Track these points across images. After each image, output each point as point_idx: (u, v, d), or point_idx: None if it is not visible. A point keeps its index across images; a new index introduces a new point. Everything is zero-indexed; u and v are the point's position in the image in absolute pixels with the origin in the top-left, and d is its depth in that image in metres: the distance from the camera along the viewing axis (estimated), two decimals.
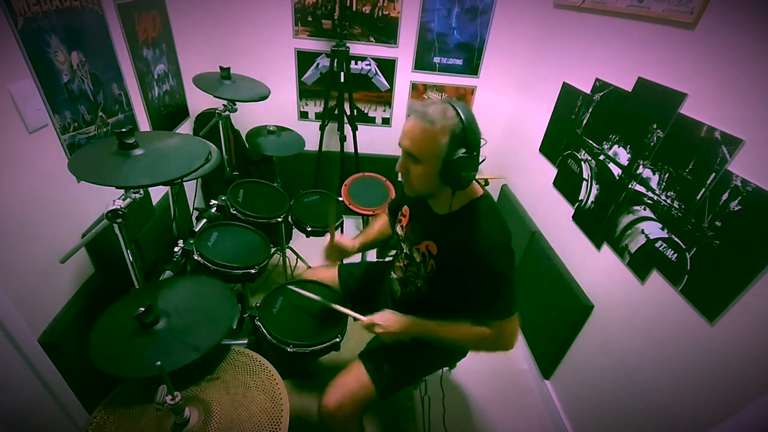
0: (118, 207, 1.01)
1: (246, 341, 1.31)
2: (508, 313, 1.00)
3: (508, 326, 1.01)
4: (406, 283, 1.22)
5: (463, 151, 0.92)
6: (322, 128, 2.42)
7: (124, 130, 0.97)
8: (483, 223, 1.02)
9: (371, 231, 1.41)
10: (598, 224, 1.55)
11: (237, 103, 1.82)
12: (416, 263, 1.15)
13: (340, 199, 1.99)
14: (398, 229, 1.25)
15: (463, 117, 0.92)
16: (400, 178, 1.06)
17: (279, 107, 2.50)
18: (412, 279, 1.19)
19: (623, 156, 1.44)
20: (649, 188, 1.31)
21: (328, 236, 1.28)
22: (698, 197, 1.12)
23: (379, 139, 2.63)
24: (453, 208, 1.06)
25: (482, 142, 0.97)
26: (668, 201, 1.22)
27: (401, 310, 1.11)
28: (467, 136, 0.92)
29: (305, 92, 2.50)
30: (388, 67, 2.40)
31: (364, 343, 1.31)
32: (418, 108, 0.95)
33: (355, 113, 2.52)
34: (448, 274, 1.08)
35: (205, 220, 1.65)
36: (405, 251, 1.20)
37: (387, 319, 1.08)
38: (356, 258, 1.99)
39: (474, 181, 1.04)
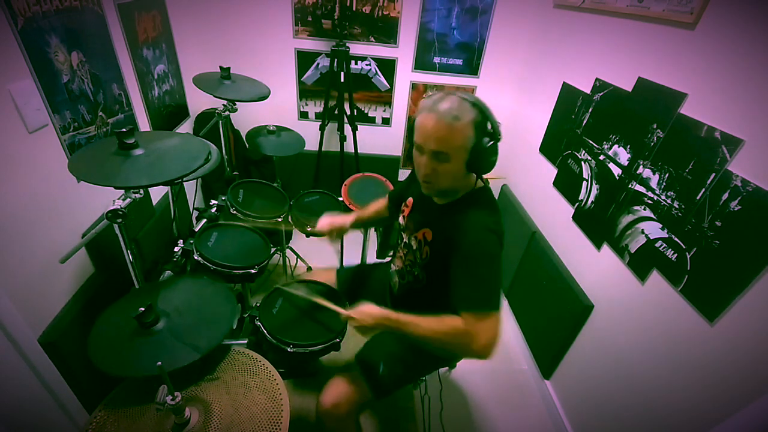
0: (118, 207, 1.01)
1: (246, 341, 1.31)
2: (486, 305, 0.92)
3: (484, 322, 0.91)
4: (404, 273, 1.23)
5: (488, 139, 0.96)
6: (322, 128, 2.42)
7: (124, 130, 0.97)
8: (478, 210, 1.03)
9: (368, 210, 1.45)
10: (598, 224, 1.55)
11: (237, 103, 1.82)
12: (413, 251, 1.17)
13: (340, 199, 1.99)
14: (400, 220, 1.27)
15: (479, 105, 0.96)
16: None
17: (279, 107, 2.49)
18: (410, 268, 1.20)
19: (623, 156, 1.44)
20: (649, 188, 1.31)
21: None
22: (698, 197, 1.12)
23: (379, 139, 2.63)
24: (457, 196, 1.07)
25: (498, 124, 1.00)
26: (668, 201, 1.22)
27: (399, 304, 1.10)
28: (489, 122, 0.97)
29: (305, 92, 2.49)
30: (388, 67, 2.40)
31: (363, 343, 1.31)
32: (436, 108, 0.95)
33: (355, 113, 2.52)
34: (441, 260, 1.06)
35: (205, 220, 1.65)
36: (404, 240, 1.23)
37: (362, 312, 1.03)
38: (356, 260, 2.00)
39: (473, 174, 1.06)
